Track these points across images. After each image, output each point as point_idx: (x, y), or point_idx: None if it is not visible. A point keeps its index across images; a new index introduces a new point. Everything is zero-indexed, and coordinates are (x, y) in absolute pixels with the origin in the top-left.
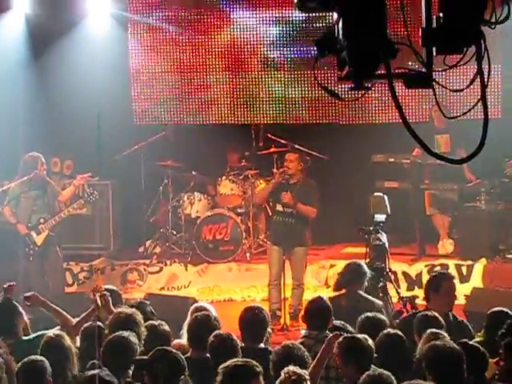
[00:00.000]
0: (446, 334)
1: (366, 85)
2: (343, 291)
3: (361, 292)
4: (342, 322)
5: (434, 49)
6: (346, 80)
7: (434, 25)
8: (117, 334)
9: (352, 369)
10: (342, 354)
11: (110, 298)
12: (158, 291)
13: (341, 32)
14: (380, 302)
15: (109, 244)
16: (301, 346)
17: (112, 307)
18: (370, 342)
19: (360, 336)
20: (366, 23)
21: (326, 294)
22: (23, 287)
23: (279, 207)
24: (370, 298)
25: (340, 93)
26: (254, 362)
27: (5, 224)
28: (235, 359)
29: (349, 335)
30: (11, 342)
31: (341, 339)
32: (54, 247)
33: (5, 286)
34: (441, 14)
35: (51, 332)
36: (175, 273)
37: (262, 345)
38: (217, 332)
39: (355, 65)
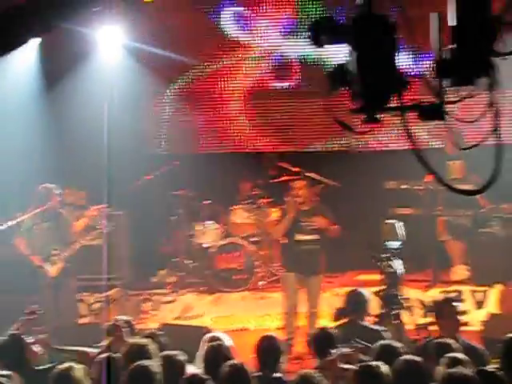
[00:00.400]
0: (464, 357)
1: (378, 117)
2: (345, 320)
3: (362, 322)
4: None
5: (445, 81)
6: (359, 113)
7: (446, 57)
8: (138, 363)
9: None
10: (357, 382)
11: (123, 331)
12: (172, 321)
13: (353, 65)
14: (385, 330)
15: (123, 274)
16: (316, 376)
17: (125, 338)
18: (385, 368)
19: (374, 363)
20: (377, 56)
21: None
22: (36, 319)
23: (298, 236)
24: (373, 326)
25: (352, 124)
26: None
27: (18, 256)
28: None
29: (363, 363)
30: (25, 373)
31: (356, 367)
32: (67, 278)
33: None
34: (453, 46)
35: (63, 364)
36: (189, 302)
37: (277, 374)
38: (230, 362)
39: (367, 98)
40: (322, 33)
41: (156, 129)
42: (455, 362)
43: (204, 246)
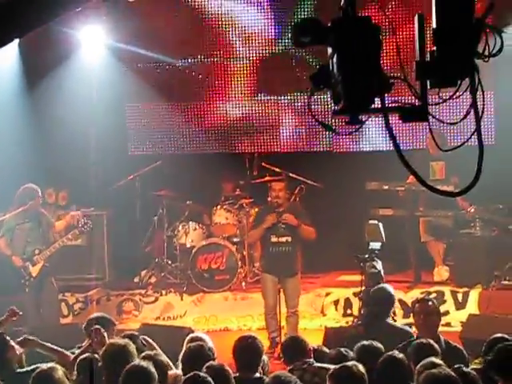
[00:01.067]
0: (441, 362)
1: (361, 118)
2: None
3: (388, 320)
4: (347, 350)
5: (428, 82)
6: (342, 114)
7: (428, 58)
8: (135, 363)
9: None
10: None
11: (104, 332)
12: (153, 321)
13: (335, 66)
14: (410, 329)
15: (104, 274)
16: (291, 376)
17: (106, 338)
18: (361, 368)
19: (350, 364)
20: (360, 58)
21: (323, 321)
22: (18, 319)
23: (273, 238)
24: (397, 325)
25: (334, 125)
26: None
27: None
28: None
29: (340, 365)
30: (4, 375)
31: (332, 369)
32: (49, 278)
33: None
34: (434, 48)
35: (44, 365)
36: (171, 302)
37: (257, 374)
38: (209, 363)
39: (350, 99)
40: (304, 34)
41: (139, 129)
42: (433, 366)
43: (186, 246)
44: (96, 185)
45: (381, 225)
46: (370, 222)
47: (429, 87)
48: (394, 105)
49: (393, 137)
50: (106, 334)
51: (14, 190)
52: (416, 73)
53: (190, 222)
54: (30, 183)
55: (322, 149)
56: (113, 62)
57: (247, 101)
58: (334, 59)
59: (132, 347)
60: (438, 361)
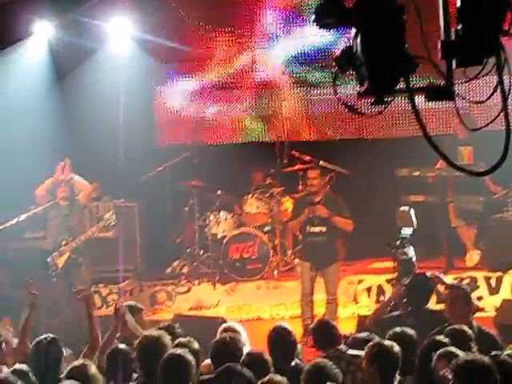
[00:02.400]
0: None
1: (387, 99)
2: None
3: (429, 306)
4: (368, 334)
5: (453, 61)
6: (366, 95)
7: (453, 37)
8: (172, 351)
9: (375, 373)
10: (367, 359)
11: (129, 315)
12: (186, 311)
13: (359, 47)
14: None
15: (136, 265)
16: (331, 365)
17: (133, 324)
18: (397, 349)
19: (387, 343)
20: (384, 38)
21: (356, 309)
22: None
23: (310, 228)
24: (438, 310)
25: (361, 108)
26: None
27: (32, 245)
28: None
29: (376, 341)
30: None
31: (368, 346)
32: (77, 269)
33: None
34: (459, 27)
35: (76, 361)
36: (204, 292)
37: (293, 363)
38: (249, 350)
39: (375, 80)
40: (327, 16)
41: (168, 119)
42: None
43: (217, 236)
44: (126, 176)
45: (412, 211)
46: (401, 208)
47: (454, 67)
48: (419, 85)
49: (419, 118)
50: (129, 318)
51: (42, 179)
52: (441, 52)
53: (221, 212)
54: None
55: (351, 136)
56: (140, 53)
57: (276, 89)
58: (358, 40)
59: (167, 339)
60: (453, 349)
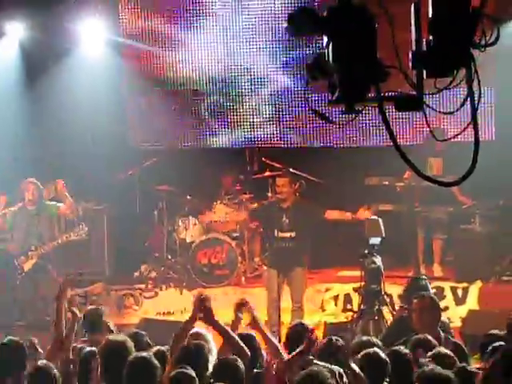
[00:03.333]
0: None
1: (357, 108)
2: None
3: None
4: (369, 339)
5: (424, 72)
6: (337, 104)
7: (424, 48)
8: (137, 354)
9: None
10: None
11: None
12: (153, 316)
13: (331, 56)
14: (446, 320)
15: (104, 269)
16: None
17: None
18: (383, 356)
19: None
20: (356, 47)
21: (322, 317)
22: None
23: (279, 233)
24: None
25: (331, 116)
26: None
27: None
28: None
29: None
30: None
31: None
32: (44, 275)
33: None
34: (431, 37)
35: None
36: (171, 297)
37: (255, 370)
38: (222, 357)
39: (346, 88)
40: (300, 24)
41: (140, 123)
42: (439, 356)
43: (186, 241)
44: (96, 179)
45: (380, 220)
46: (370, 217)
47: (425, 77)
48: (389, 94)
49: (389, 128)
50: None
51: (13, 182)
52: (412, 62)
53: (190, 217)
54: (30, 177)
55: (321, 144)
56: (113, 55)
57: (246, 95)
58: (330, 48)
59: (130, 344)
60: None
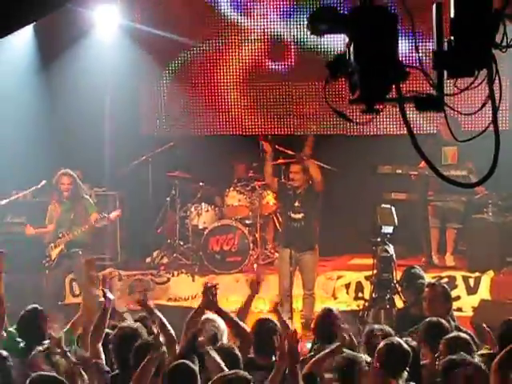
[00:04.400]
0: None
1: (377, 108)
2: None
3: None
4: (381, 327)
5: (445, 72)
6: (357, 103)
7: (445, 48)
8: (180, 361)
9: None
10: (379, 357)
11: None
12: (165, 302)
13: (352, 55)
14: None
15: (116, 254)
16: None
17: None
18: (406, 346)
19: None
20: (377, 47)
21: (334, 305)
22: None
23: (291, 214)
24: None
25: (350, 113)
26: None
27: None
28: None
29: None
30: None
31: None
32: (71, 262)
33: None
34: (452, 38)
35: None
36: (182, 284)
37: (273, 358)
38: (220, 343)
39: (367, 88)
40: (320, 22)
41: (152, 110)
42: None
43: (198, 227)
44: (109, 165)
45: (393, 209)
46: (383, 205)
47: (445, 77)
48: (410, 94)
49: (408, 124)
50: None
51: (28, 169)
52: (433, 62)
53: (203, 204)
54: (63, 168)
55: (335, 132)
56: (127, 41)
57: (261, 82)
58: (351, 48)
59: (143, 331)
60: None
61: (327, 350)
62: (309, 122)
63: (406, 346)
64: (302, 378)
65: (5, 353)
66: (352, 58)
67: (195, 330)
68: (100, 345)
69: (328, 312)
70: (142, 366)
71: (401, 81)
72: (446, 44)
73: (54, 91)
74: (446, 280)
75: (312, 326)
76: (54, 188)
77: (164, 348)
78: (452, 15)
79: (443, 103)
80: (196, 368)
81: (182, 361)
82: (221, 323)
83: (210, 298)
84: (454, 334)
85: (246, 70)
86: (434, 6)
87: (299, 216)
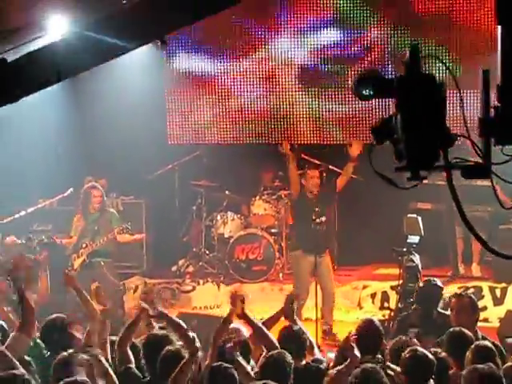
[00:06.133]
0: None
1: (423, 175)
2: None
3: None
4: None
5: (492, 139)
6: (404, 171)
7: (492, 115)
8: (220, 363)
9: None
10: (402, 365)
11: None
12: (190, 310)
13: (398, 123)
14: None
15: (142, 263)
16: (379, 370)
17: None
18: (430, 356)
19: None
20: (425, 116)
21: (360, 315)
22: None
23: (315, 218)
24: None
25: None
26: None
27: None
28: None
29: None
30: None
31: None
32: (93, 270)
33: None
34: (499, 104)
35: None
36: (208, 292)
37: (303, 361)
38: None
39: (413, 158)
40: (366, 87)
41: (180, 119)
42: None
43: (224, 236)
44: (136, 174)
45: (419, 218)
46: (409, 215)
47: (493, 145)
48: (456, 161)
49: (455, 195)
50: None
51: (54, 177)
52: (479, 129)
53: (229, 212)
54: (89, 177)
55: (363, 140)
56: (154, 54)
57: (288, 92)
58: (397, 115)
59: (173, 338)
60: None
61: (342, 366)
62: (335, 132)
63: (430, 355)
64: None
65: (28, 357)
66: (398, 126)
67: (225, 339)
68: (128, 349)
69: (370, 323)
70: (179, 370)
71: (448, 148)
72: (492, 110)
73: (81, 100)
74: (472, 290)
75: (353, 338)
76: (78, 199)
77: (200, 353)
78: (499, 82)
79: (490, 171)
80: (235, 372)
81: (222, 363)
82: (244, 331)
83: (238, 307)
84: (482, 343)
85: (272, 79)
86: (481, 72)
87: (322, 220)
